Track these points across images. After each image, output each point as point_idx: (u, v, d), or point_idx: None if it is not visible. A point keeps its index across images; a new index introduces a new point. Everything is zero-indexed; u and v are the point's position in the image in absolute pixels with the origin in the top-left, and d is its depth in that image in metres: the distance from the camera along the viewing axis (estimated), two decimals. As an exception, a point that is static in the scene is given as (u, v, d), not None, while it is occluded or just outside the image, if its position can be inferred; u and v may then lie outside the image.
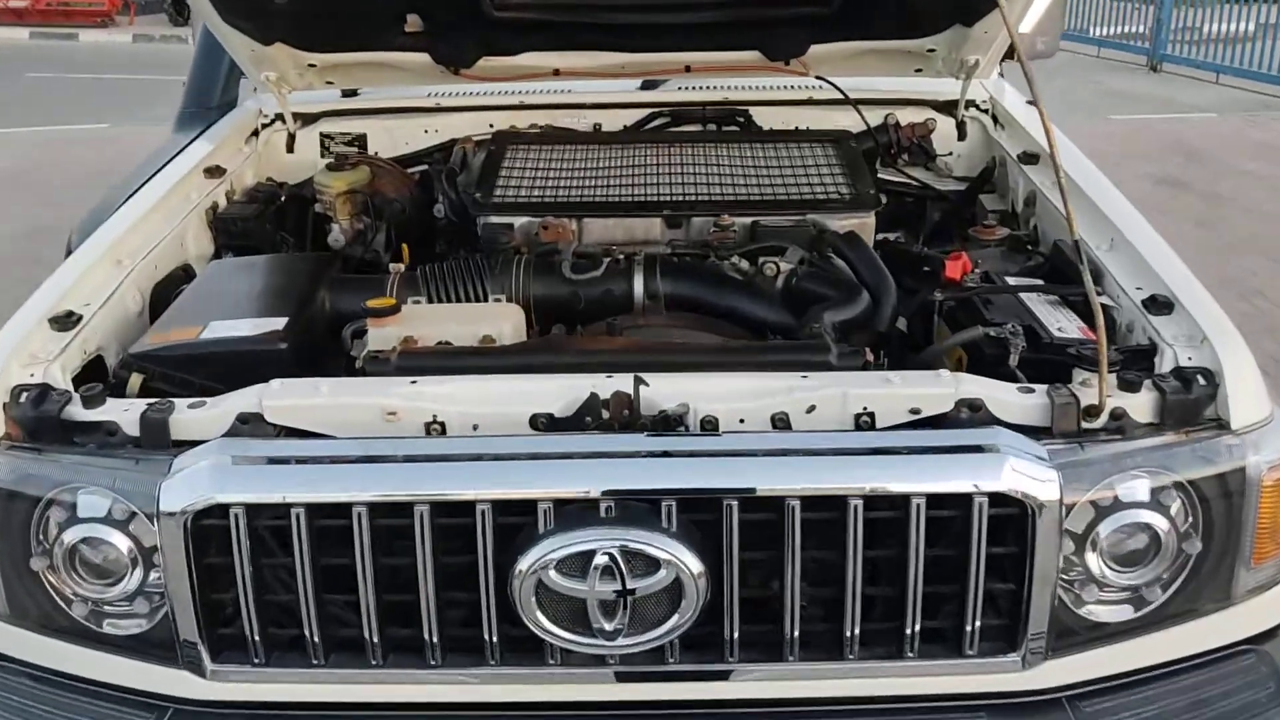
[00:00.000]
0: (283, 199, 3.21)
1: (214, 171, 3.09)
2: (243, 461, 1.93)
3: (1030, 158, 3.08)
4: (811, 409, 2.02)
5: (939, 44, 3.21)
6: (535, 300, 2.51)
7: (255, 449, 1.96)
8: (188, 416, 2.04)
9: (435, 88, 3.57)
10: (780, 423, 2.01)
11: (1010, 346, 2.20)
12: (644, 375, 2.03)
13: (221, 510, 1.89)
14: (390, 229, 3.25)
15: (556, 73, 3.37)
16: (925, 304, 2.63)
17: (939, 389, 2.03)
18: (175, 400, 2.06)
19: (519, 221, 2.74)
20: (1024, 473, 1.89)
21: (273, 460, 1.94)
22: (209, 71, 3.80)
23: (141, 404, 2.06)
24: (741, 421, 2.02)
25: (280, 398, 2.04)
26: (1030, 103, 3.46)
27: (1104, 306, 2.19)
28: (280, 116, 3.47)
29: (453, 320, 2.30)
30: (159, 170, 3.07)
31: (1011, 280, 2.55)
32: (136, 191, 2.92)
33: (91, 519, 1.98)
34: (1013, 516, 1.90)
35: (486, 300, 2.49)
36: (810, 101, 3.50)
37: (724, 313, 2.50)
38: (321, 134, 3.50)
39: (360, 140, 3.50)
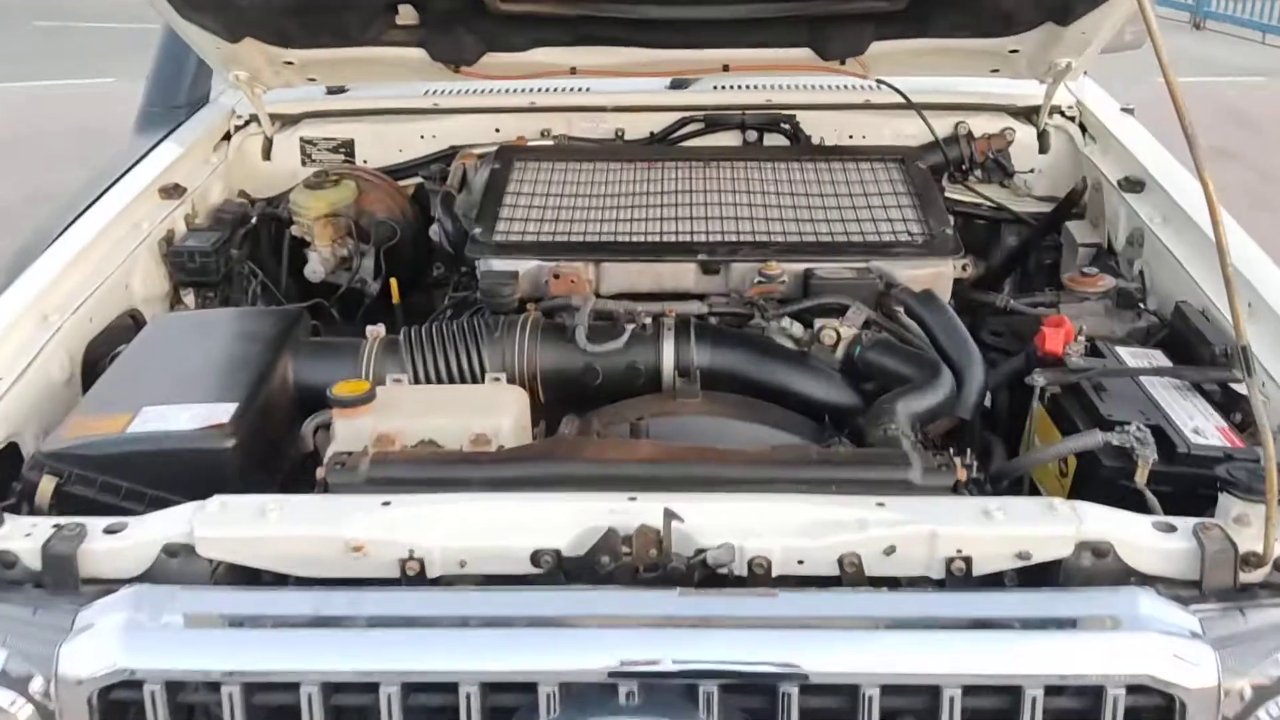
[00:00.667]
0: (253, 220, 2.76)
1: (171, 191, 2.64)
2: (163, 620, 1.51)
3: (1133, 185, 2.59)
4: (890, 551, 1.58)
5: (1024, 44, 2.71)
6: (544, 375, 2.07)
7: (179, 602, 1.53)
8: (101, 547, 1.62)
9: (434, 85, 3.10)
10: (850, 568, 1.57)
11: (1137, 457, 1.75)
12: (677, 501, 1.59)
13: (134, 683, 1.48)
14: (379, 253, 2.81)
15: (573, 71, 2.90)
16: (1012, 372, 2.18)
17: (1055, 527, 1.58)
18: (87, 523, 1.64)
19: (525, 267, 2.28)
20: (1172, 654, 1.45)
21: (200, 620, 1.52)
22: (176, 63, 3.33)
23: (47, 526, 1.64)
24: (800, 564, 1.59)
25: (217, 525, 1.61)
26: (1127, 110, 2.97)
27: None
28: (255, 118, 3.01)
29: (440, 410, 1.86)
30: (107, 189, 2.62)
31: (1127, 356, 2.08)
32: (77, 219, 2.47)
33: (-17, 673, 1.57)
34: (1155, 707, 1.47)
35: (483, 374, 2.04)
36: (868, 106, 3.01)
37: (772, 393, 2.05)
38: (302, 139, 3.03)
39: (347, 146, 3.03)
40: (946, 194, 2.90)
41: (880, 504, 1.62)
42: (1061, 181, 2.95)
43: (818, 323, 2.12)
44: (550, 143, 2.91)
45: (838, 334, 2.10)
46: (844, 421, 2.02)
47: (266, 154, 3.04)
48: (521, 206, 2.49)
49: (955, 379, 2.01)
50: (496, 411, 1.84)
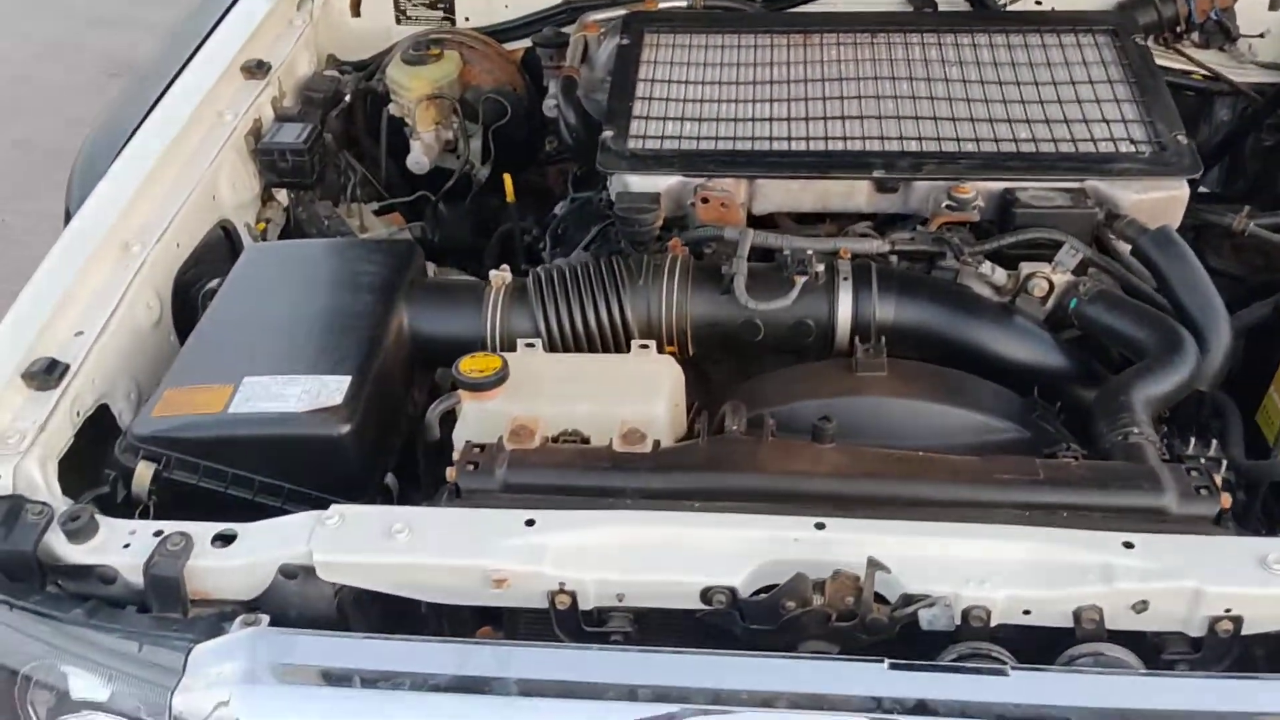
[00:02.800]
0: (347, 99, 2.43)
1: (254, 70, 2.30)
2: (286, 675, 1.32)
3: (1407, 64, 2.11)
4: (1142, 607, 1.31)
5: None
6: (695, 328, 1.76)
7: (302, 651, 1.34)
8: (211, 565, 1.42)
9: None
10: (1089, 624, 1.30)
11: None
12: (874, 528, 1.34)
13: (262, 740, 1.30)
14: (488, 133, 2.47)
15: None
16: (1256, 323, 1.82)
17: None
18: (193, 532, 1.44)
19: (667, 184, 1.93)
20: None
21: (328, 677, 1.32)
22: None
23: (148, 535, 1.45)
24: (1026, 614, 1.32)
25: (338, 548, 1.40)
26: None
27: None
28: (340, -33, 2.62)
29: (584, 392, 1.58)
30: (181, 69, 2.29)
31: None
32: (150, 111, 2.16)
33: (90, 703, 1.41)
34: None
35: (625, 329, 1.74)
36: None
37: (969, 356, 1.73)
38: (395, -8, 2.64)
39: (446, 1, 2.63)
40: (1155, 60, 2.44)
41: (1128, 544, 1.33)
42: (1296, 45, 2.45)
43: (1024, 267, 1.77)
44: (685, 3, 2.47)
45: (1049, 283, 1.75)
46: (1056, 391, 1.70)
47: (356, 9, 2.66)
48: (657, 100, 2.10)
49: (1197, 340, 1.66)
50: (650, 395, 1.56)
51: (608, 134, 2.01)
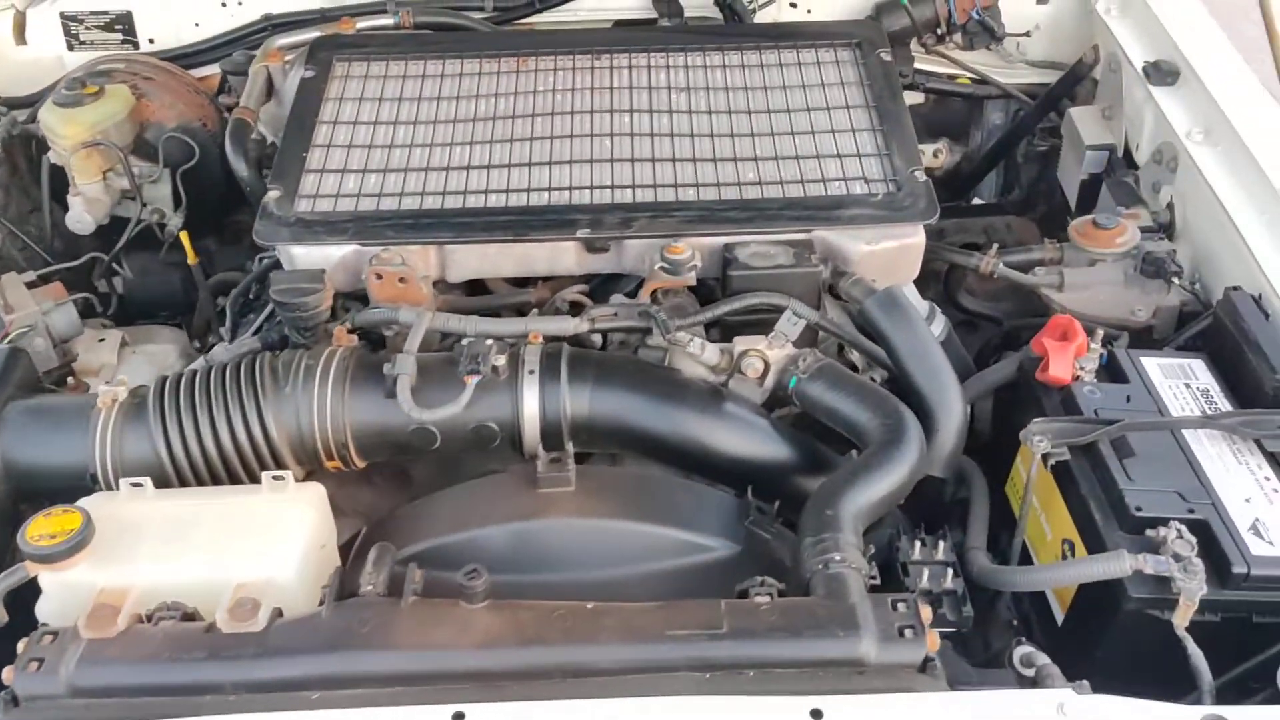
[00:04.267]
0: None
1: None
2: None
3: (1165, 74, 1.94)
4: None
5: None
6: (359, 439, 1.49)
7: None
8: None
9: (236, -73, 2.31)
10: None
11: (1178, 591, 1.24)
12: (528, 708, 1.10)
13: None
14: (176, 177, 2.13)
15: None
16: (1000, 383, 1.64)
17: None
18: None
19: (340, 254, 1.64)
20: None
21: None
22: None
23: None
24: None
25: None
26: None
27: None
28: (-7, -13, 2.24)
29: (192, 550, 1.29)
30: None
31: (1157, 370, 1.53)
32: None
33: None
34: None
35: (271, 446, 1.46)
36: (813, -54, 2.27)
37: (676, 450, 1.50)
38: (63, 14, 2.26)
39: (123, 22, 2.27)
40: (916, 65, 2.24)
41: (817, 712, 1.12)
42: (1064, 44, 2.27)
43: (739, 344, 1.54)
44: (387, 21, 2.16)
45: (765, 362, 1.52)
46: (777, 484, 1.49)
47: (20, 35, 2.28)
48: (339, 148, 1.80)
49: (924, 420, 1.46)
50: (273, 547, 1.29)
51: (272, 195, 1.71)
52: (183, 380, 1.48)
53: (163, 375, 1.50)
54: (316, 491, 1.38)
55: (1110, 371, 1.54)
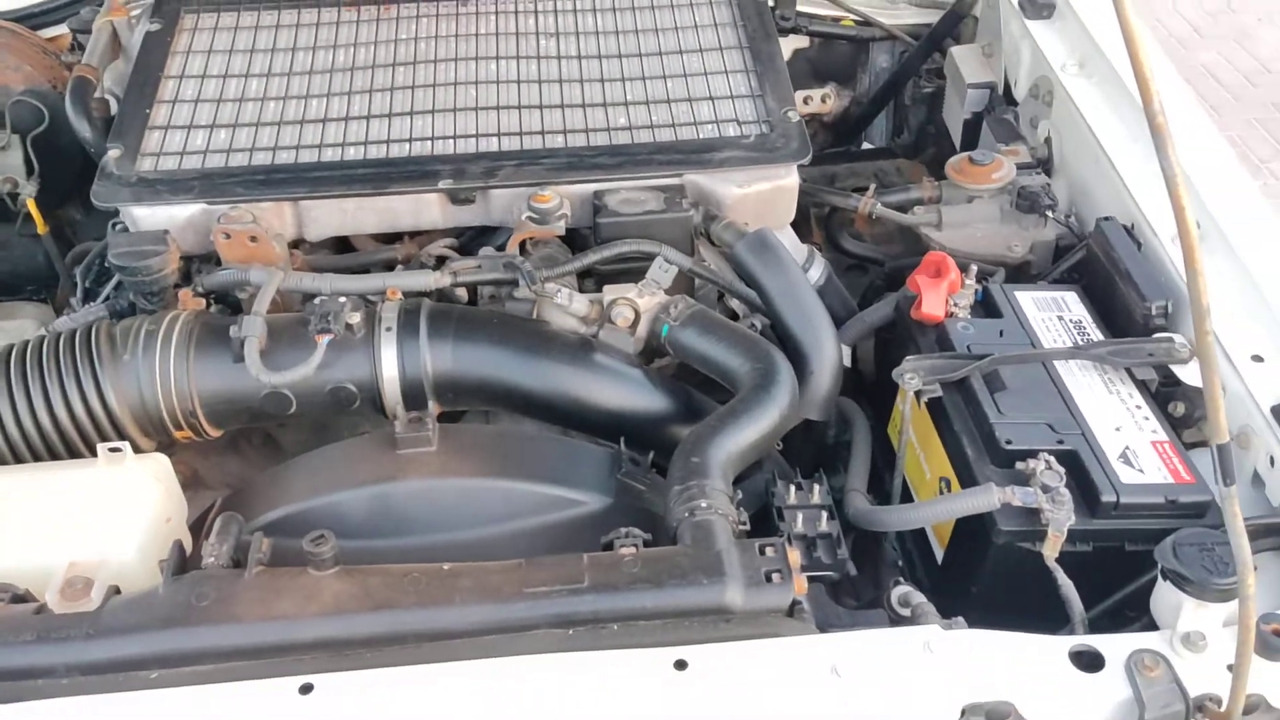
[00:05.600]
0: None
1: None
2: None
3: (1041, 7, 1.92)
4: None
5: None
6: (208, 406, 1.41)
7: None
8: None
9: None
10: None
11: (1047, 522, 1.23)
12: (380, 676, 1.05)
13: None
14: (27, 144, 2.00)
15: None
16: (879, 324, 1.61)
17: (931, 691, 1.08)
18: None
19: (186, 214, 1.55)
20: None
21: None
22: None
23: None
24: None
25: None
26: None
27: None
28: None
29: (24, 529, 1.22)
30: None
31: (1030, 302, 1.51)
32: None
33: None
34: None
35: (112, 418, 1.38)
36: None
37: (545, 405, 1.45)
38: (-109, -28, 2.12)
39: (-38, -19, 2.14)
40: (799, 8, 2.19)
41: (680, 664, 1.09)
42: (945, -19, 2.25)
43: (608, 292, 1.49)
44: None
45: (635, 310, 1.47)
46: (651, 437, 1.45)
47: None
48: (185, 103, 1.71)
49: (798, 363, 1.43)
50: (112, 523, 1.21)
51: (112, 154, 1.61)
52: (14, 352, 1.39)
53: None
54: (159, 463, 1.31)
55: (985, 308, 1.52)
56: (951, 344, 1.45)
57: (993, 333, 1.47)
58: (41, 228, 1.91)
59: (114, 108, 1.84)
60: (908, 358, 1.41)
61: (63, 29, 2.13)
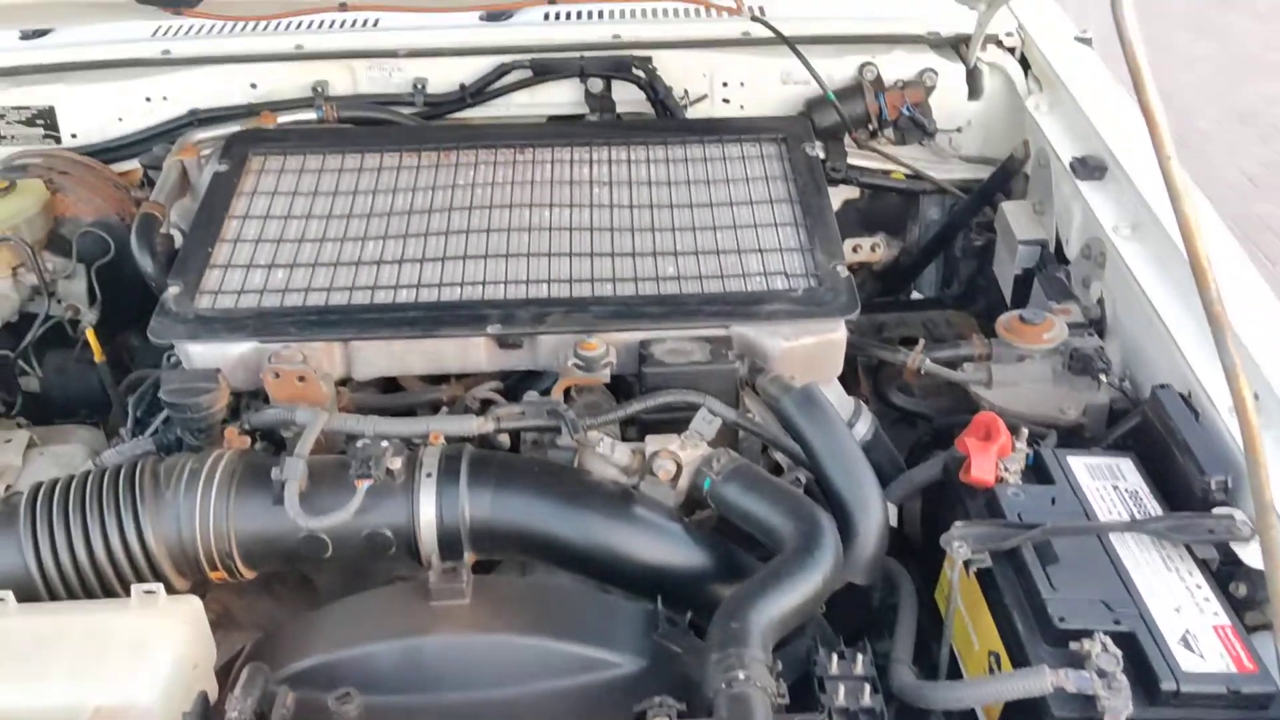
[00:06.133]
0: (-99, 242, 2.00)
1: None
2: None
3: (1092, 169, 1.92)
4: None
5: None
6: (245, 548, 1.41)
7: None
8: None
9: (165, 22, 2.29)
10: None
11: (1104, 710, 1.17)
12: None
13: None
14: (91, 273, 2.06)
15: (342, 7, 2.12)
16: (926, 483, 1.58)
17: None
18: None
19: (238, 352, 1.58)
20: None
21: None
22: None
23: None
24: None
25: None
26: (1083, 39, 2.28)
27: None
28: (-91, 81, 2.20)
29: (50, 672, 1.20)
30: None
31: (1083, 470, 1.47)
32: None
33: None
34: None
35: (149, 557, 1.37)
36: (747, 41, 2.28)
37: (584, 558, 1.42)
38: (-18, 108, 2.23)
39: (46, 116, 2.24)
40: (849, 160, 2.22)
41: None
42: (998, 138, 2.27)
43: (651, 442, 1.48)
44: (311, 115, 2.14)
45: (677, 462, 1.46)
46: (690, 595, 1.41)
47: (-66, 130, 2.24)
48: (246, 243, 1.75)
49: (843, 524, 1.40)
50: (133, 670, 1.19)
51: (171, 291, 1.65)
52: (59, 486, 1.40)
53: (39, 481, 1.42)
54: (191, 606, 1.29)
55: (1037, 472, 1.48)
56: (1002, 510, 1.41)
57: (1045, 501, 1.42)
58: (99, 356, 1.95)
59: (179, 242, 1.89)
60: (956, 523, 1.37)
61: (134, 164, 2.22)
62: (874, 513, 1.41)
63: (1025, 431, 1.50)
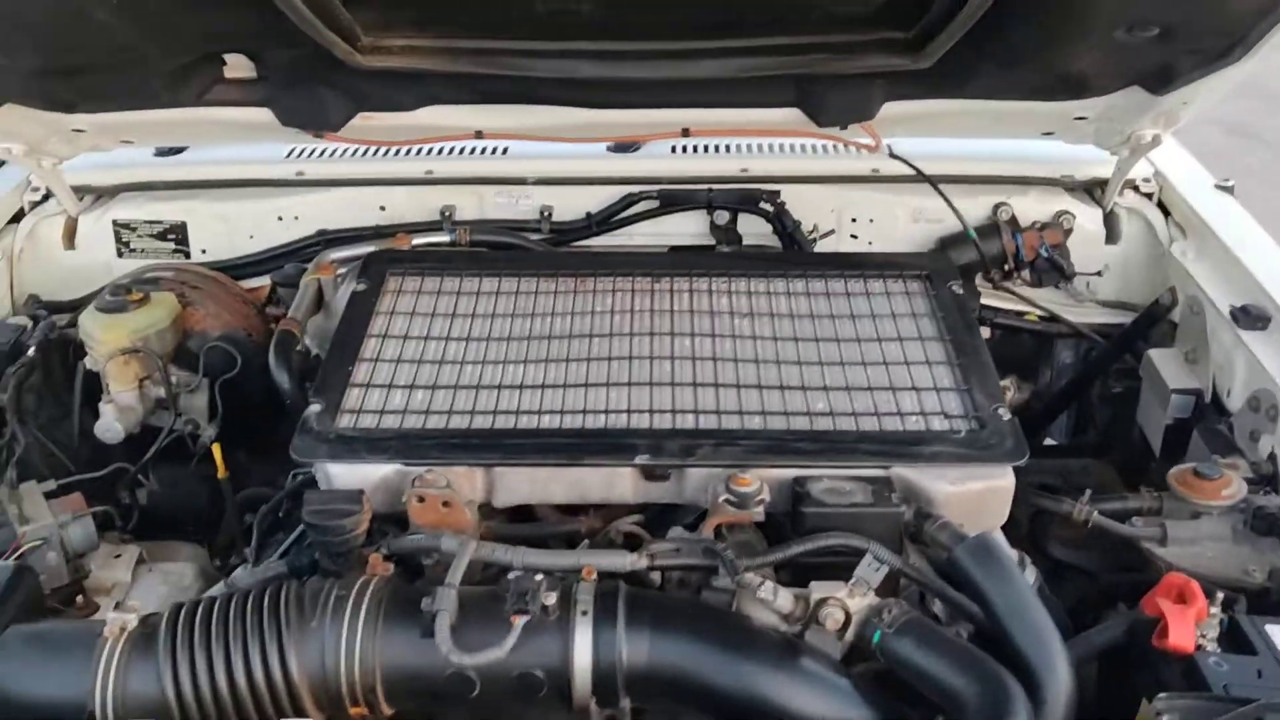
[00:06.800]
0: (30, 351, 1.99)
1: None
2: None
3: (1256, 318, 1.84)
4: None
5: (1097, 109, 1.95)
6: (390, 683, 1.32)
7: None
8: None
9: (299, 144, 2.33)
10: None
11: None
12: None
13: None
14: (214, 388, 2.04)
15: (478, 135, 2.14)
16: (1108, 646, 1.46)
17: None
18: None
19: (380, 474, 1.52)
20: None
21: None
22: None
23: None
24: None
25: None
26: (1224, 187, 2.23)
27: None
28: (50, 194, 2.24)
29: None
30: None
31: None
32: None
33: None
34: None
35: (290, 687, 1.29)
36: (876, 178, 2.26)
37: (745, 710, 1.32)
38: (116, 222, 2.26)
39: (177, 232, 2.26)
40: (983, 300, 2.17)
41: None
42: (1137, 284, 2.21)
43: (815, 590, 1.38)
44: (443, 238, 2.13)
45: (846, 612, 1.36)
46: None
47: (70, 241, 2.27)
48: (386, 363, 1.72)
49: (1027, 687, 1.28)
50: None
51: (313, 409, 1.61)
52: (199, 609, 1.33)
53: (178, 603, 1.36)
54: (335, 745, 1.21)
55: (1233, 640, 1.37)
56: (1205, 681, 1.29)
57: (1249, 672, 1.30)
58: (222, 472, 1.91)
59: (311, 358, 1.87)
60: (1161, 696, 1.25)
61: (261, 281, 2.22)
62: (1062, 677, 1.30)
63: (1220, 596, 1.38)
